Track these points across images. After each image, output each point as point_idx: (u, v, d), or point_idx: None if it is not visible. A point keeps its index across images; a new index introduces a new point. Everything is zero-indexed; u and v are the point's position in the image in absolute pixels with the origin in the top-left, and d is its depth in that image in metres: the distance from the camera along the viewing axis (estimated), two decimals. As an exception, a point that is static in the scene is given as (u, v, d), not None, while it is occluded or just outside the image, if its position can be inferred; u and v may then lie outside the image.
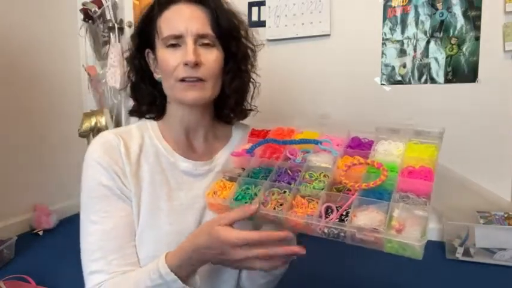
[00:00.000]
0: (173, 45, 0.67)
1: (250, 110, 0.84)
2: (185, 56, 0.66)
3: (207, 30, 0.69)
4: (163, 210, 0.70)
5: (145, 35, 0.73)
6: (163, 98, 0.76)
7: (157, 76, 0.74)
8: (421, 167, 0.55)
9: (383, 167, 0.56)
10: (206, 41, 0.68)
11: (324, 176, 0.60)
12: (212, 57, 0.69)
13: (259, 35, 0.81)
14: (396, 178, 0.55)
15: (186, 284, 0.59)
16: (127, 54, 0.77)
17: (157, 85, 0.75)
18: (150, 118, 0.78)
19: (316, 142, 0.65)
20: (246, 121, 0.86)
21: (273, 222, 0.59)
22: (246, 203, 0.60)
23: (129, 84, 0.78)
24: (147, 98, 0.76)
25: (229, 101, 0.78)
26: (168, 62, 0.67)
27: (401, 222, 0.48)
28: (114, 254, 0.64)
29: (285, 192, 0.60)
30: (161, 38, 0.68)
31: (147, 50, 0.74)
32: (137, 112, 0.79)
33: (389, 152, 0.60)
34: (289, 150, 0.67)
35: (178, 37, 0.67)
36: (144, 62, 0.75)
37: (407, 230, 0.48)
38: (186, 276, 0.59)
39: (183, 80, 0.67)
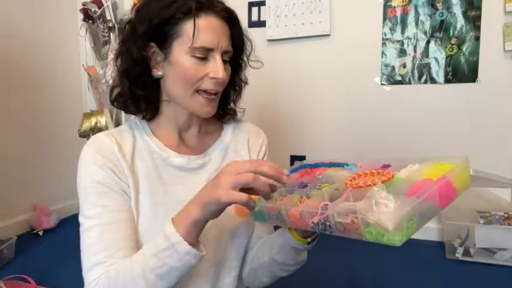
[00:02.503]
0: (200, 57, 0.68)
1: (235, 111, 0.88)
2: (216, 72, 0.68)
3: (230, 47, 0.71)
4: (161, 205, 0.70)
5: (159, 30, 0.69)
6: (158, 95, 0.75)
7: (157, 72, 0.72)
8: (440, 178, 0.52)
9: (388, 172, 0.56)
10: (226, 58, 0.71)
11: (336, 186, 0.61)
12: (228, 73, 0.73)
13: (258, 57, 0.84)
14: (399, 182, 0.54)
15: (194, 248, 0.57)
16: (120, 38, 0.75)
17: (152, 81, 0.73)
18: (143, 118, 0.77)
19: (342, 165, 0.69)
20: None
21: (277, 218, 0.62)
22: (262, 205, 0.64)
23: (115, 74, 0.75)
24: (145, 94, 0.74)
25: (225, 105, 0.82)
26: (194, 73, 0.68)
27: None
28: (116, 245, 0.64)
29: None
30: (190, 46, 0.67)
31: (151, 44, 0.71)
32: (134, 108, 0.76)
33: (412, 171, 0.60)
34: (319, 171, 0.72)
35: (209, 50, 0.68)
36: (145, 54, 0.72)
37: (384, 213, 0.46)
38: (193, 241, 0.58)
39: (203, 91, 0.69)
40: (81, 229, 0.67)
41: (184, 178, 0.74)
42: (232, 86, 0.81)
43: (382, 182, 0.54)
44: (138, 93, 0.73)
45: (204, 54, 0.68)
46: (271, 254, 0.75)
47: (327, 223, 0.53)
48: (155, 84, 0.74)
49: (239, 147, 0.83)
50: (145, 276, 0.57)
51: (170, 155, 0.74)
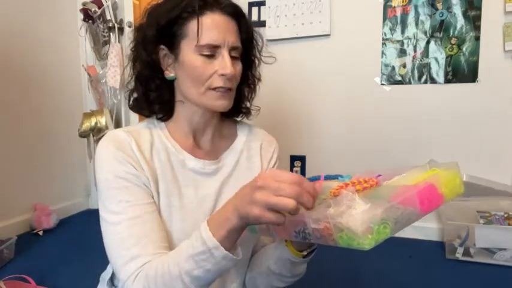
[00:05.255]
0: (207, 54, 0.68)
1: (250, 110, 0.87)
2: (224, 68, 0.68)
3: (238, 43, 0.71)
4: (175, 206, 0.70)
5: (167, 32, 0.71)
6: (172, 96, 0.76)
7: (169, 74, 0.73)
8: (422, 182, 0.51)
9: (372, 180, 0.55)
10: (235, 54, 0.71)
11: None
12: (239, 69, 0.73)
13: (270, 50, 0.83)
14: (386, 188, 0.53)
15: (230, 253, 0.55)
16: (133, 44, 0.76)
17: (165, 83, 0.75)
18: (159, 119, 0.77)
19: (336, 177, 0.70)
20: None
21: (267, 229, 0.61)
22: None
23: (132, 78, 0.77)
24: (158, 96, 0.75)
25: (239, 104, 0.82)
26: (202, 71, 0.68)
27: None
28: (146, 237, 0.63)
29: None
30: (197, 45, 0.68)
31: (161, 46, 0.72)
32: (147, 110, 0.77)
33: (402, 177, 0.58)
34: (317, 185, 0.71)
35: (216, 47, 0.68)
36: (156, 57, 0.74)
37: (352, 216, 0.45)
38: (230, 245, 0.56)
39: (215, 88, 0.69)
40: (105, 224, 0.66)
41: (197, 181, 0.74)
42: (245, 83, 0.81)
43: (364, 188, 0.53)
44: (151, 96, 0.75)
45: (211, 52, 0.68)
46: (267, 263, 0.74)
47: (306, 231, 0.52)
48: (168, 86, 0.75)
49: (252, 153, 0.82)
50: (182, 278, 0.57)
51: (186, 157, 0.74)
